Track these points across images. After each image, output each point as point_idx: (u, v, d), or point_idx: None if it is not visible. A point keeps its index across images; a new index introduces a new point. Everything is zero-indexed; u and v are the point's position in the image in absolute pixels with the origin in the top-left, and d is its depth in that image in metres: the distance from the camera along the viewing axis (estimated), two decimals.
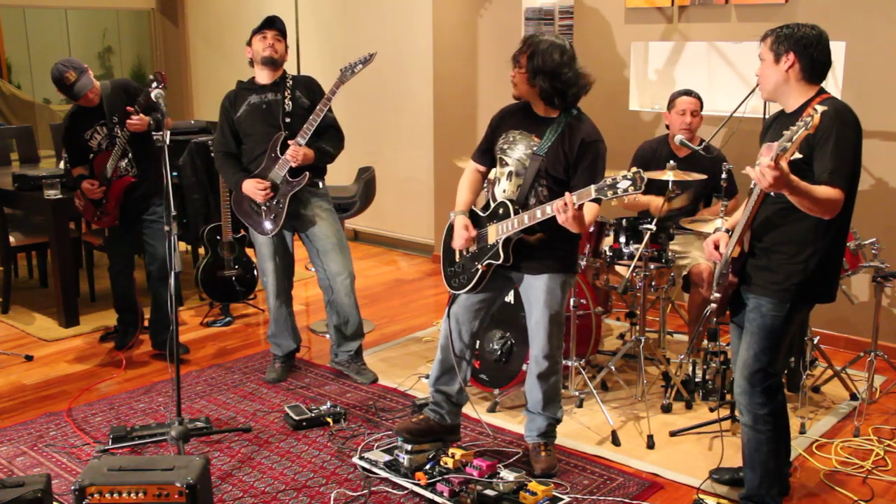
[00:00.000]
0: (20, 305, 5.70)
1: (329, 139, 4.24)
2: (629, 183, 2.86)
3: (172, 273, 3.47)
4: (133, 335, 4.88)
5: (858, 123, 2.79)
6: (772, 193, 2.73)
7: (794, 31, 2.82)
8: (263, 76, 4.23)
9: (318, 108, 4.07)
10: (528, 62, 3.20)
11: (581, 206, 3.03)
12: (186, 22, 8.89)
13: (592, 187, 2.96)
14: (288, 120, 4.16)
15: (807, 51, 2.80)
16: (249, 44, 4.24)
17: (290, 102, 4.19)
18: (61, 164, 4.48)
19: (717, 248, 3.00)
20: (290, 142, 4.10)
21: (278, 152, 4.12)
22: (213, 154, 4.50)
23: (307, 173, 4.17)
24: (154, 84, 3.87)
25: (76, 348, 4.84)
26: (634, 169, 2.88)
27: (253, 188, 4.12)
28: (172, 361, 3.53)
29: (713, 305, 2.99)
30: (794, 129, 2.53)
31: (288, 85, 4.23)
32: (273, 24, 4.23)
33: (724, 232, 3.00)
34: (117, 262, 4.78)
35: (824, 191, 2.67)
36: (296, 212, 4.21)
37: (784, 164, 2.55)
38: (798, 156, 2.70)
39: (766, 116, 4.48)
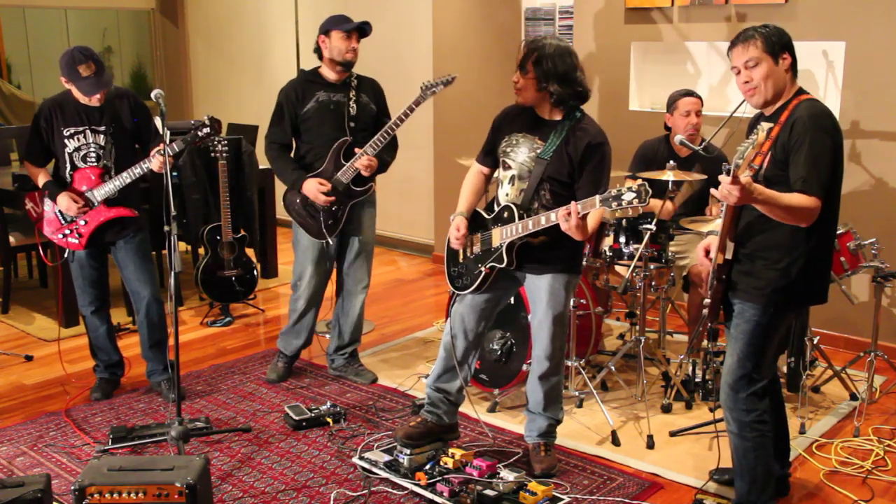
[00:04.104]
0: (20, 305, 5.70)
1: (388, 148, 4.14)
2: (634, 195, 2.85)
3: (173, 273, 3.46)
4: (120, 378, 4.34)
5: (836, 127, 2.75)
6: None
7: (773, 31, 2.78)
8: (333, 74, 4.12)
9: (392, 122, 3.99)
10: (535, 67, 3.17)
11: (585, 215, 3.03)
12: (186, 22, 8.89)
13: (597, 198, 2.95)
14: (353, 124, 4.11)
15: (792, 50, 2.79)
16: (327, 34, 4.04)
17: (354, 105, 4.12)
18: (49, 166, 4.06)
19: (707, 253, 2.99)
20: (356, 149, 4.04)
21: (342, 158, 4.07)
22: (267, 145, 4.20)
23: (372, 185, 4.16)
24: (207, 129, 3.77)
25: (76, 348, 4.84)
26: (640, 181, 2.87)
27: (315, 189, 4.04)
28: (172, 365, 3.53)
29: (705, 312, 2.97)
30: (743, 146, 2.55)
31: (353, 86, 4.15)
32: (364, 31, 4.08)
33: (716, 236, 2.98)
34: (87, 293, 4.11)
35: (797, 199, 2.64)
36: (349, 215, 4.18)
37: (744, 178, 2.55)
38: (748, 173, 2.67)
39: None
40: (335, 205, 4.10)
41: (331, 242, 4.20)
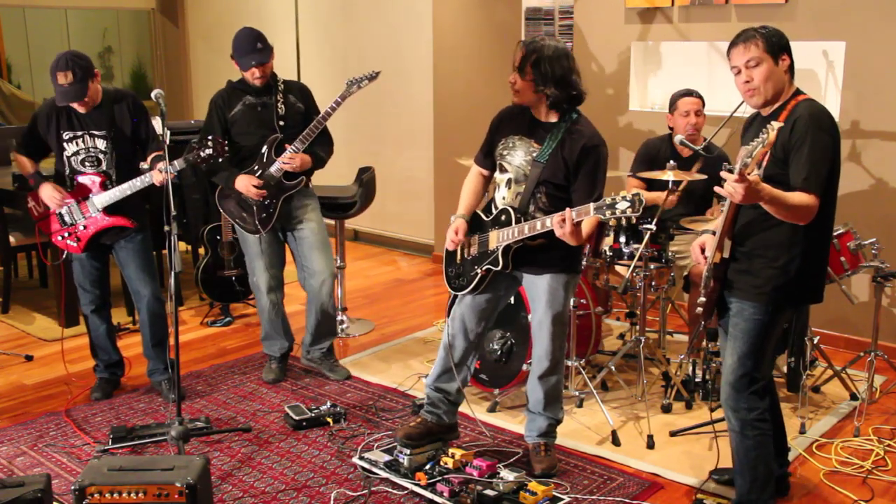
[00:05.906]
0: (20, 305, 5.70)
1: (322, 144, 4.26)
2: (627, 205, 2.90)
3: (173, 273, 3.46)
4: (120, 378, 4.36)
5: (835, 126, 2.77)
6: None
7: (773, 32, 2.79)
8: (256, 83, 4.19)
9: (320, 117, 4.10)
10: (533, 69, 3.17)
11: (580, 222, 3.04)
12: (186, 22, 8.89)
13: (591, 205, 2.98)
14: (282, 123, 4.18)
15: (791, 51, 2.81)
16: (233, 59, 4.14)
17: (283, 106, 4.20)
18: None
19: (703, 251, 2.99)
20: (287, 145, 4.11)
21: (273, 154, 4.14)
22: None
23: (303, 178, 4.20)
24: (209, 151, 3.78)
25: (76, 348, 4.84)
26: (634, 191, 2.92)
27: (247, 184, 4.11)
28: (172, 364, 3.53)
29: (699, 310, 2.98)
30: (752, 144, 2.55)
31: (280, 89, 4.23)
32: (262, 62, 4.10)
33: (711, 234, 2.98)
34: (88, 293, 4.12)
35: (799, 197, 2.67)
36: (285, 210, 4.23)
37: (752, 177, 2.56)
38: (757, 172, 2.68)
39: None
40: (267, 199, 4.17)
41: (265, 235, 4.25)
